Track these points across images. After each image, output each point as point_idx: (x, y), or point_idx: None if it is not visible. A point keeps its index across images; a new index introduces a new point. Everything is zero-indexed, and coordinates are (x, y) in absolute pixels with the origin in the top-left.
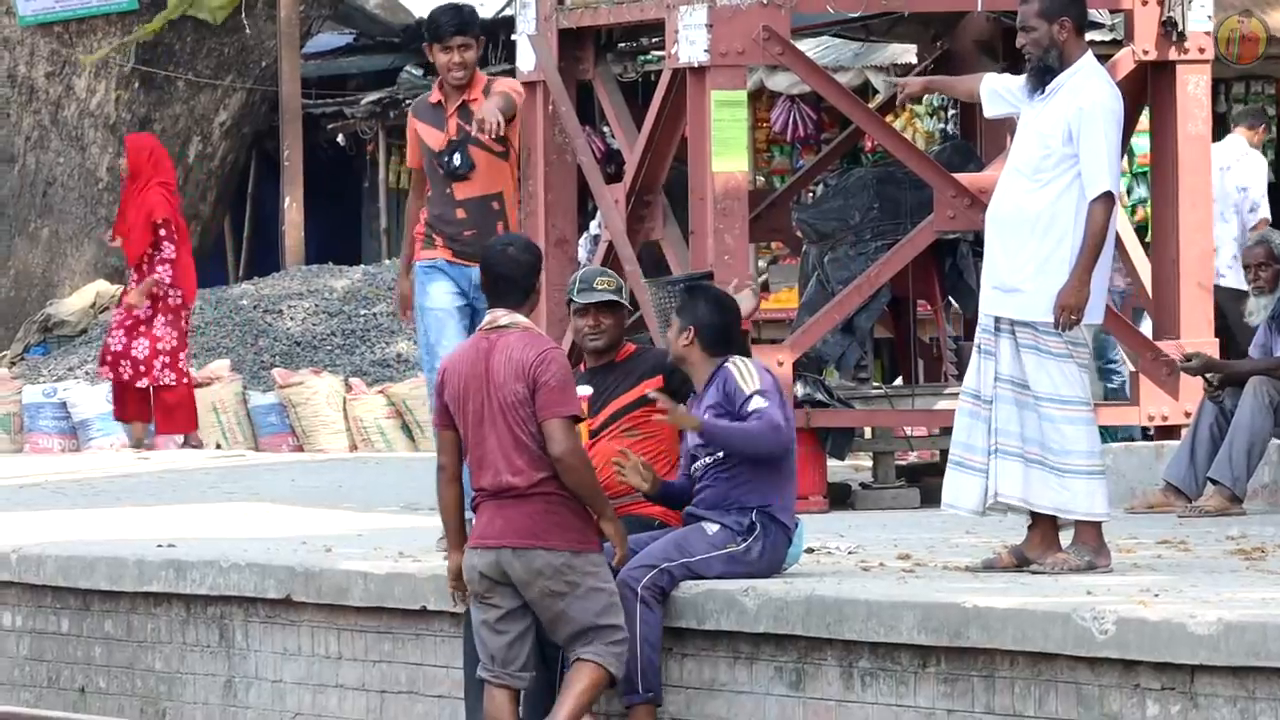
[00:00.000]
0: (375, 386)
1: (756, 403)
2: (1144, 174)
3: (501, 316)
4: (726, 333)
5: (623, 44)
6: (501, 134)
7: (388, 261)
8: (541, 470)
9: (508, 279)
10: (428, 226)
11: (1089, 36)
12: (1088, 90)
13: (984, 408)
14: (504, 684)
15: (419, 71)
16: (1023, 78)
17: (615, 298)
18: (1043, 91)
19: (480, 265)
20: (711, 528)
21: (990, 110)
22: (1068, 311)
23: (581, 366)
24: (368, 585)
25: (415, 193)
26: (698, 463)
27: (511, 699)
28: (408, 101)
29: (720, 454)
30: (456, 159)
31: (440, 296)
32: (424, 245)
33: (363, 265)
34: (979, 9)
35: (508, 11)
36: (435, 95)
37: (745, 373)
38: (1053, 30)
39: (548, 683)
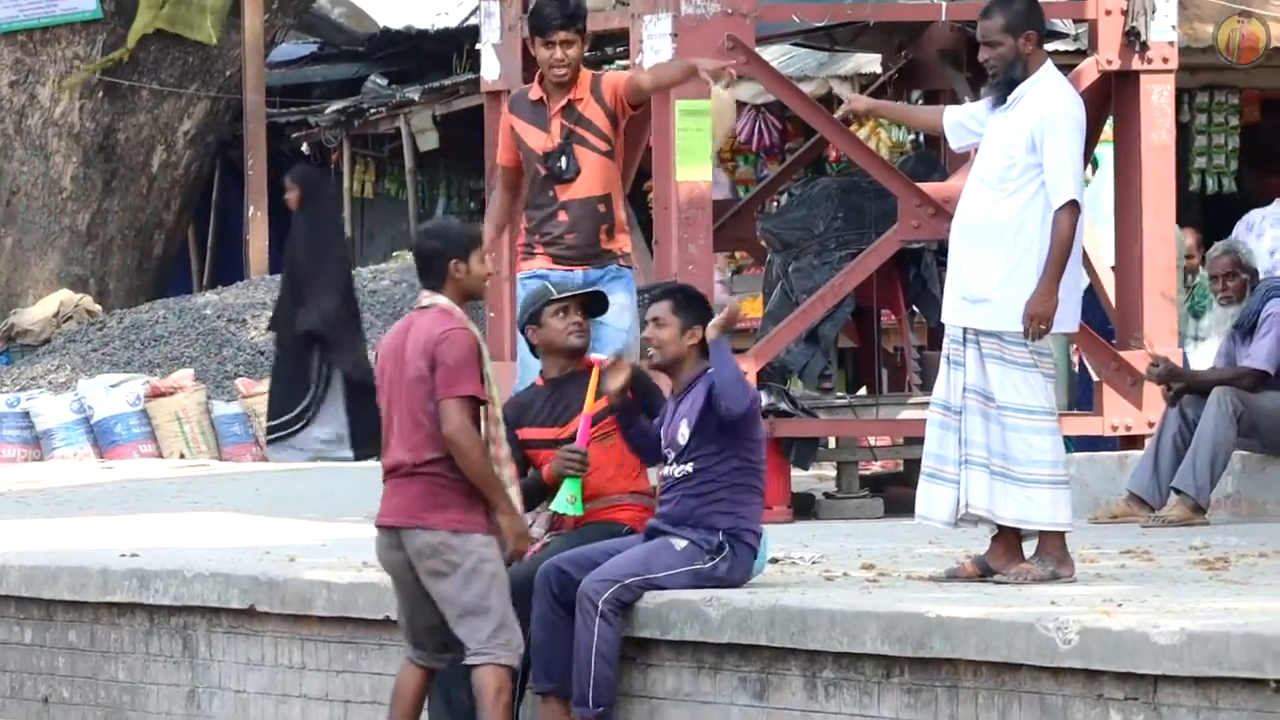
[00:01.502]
0: None
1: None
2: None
3: (424, 297)
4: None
5: (588, 53)
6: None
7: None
8: (433, 450)
9: (424, 259)
10: (527, 234)
11: (1053, 46)
12: (1049, 99)
13: (954, 418)
14: (419, 664)
15: (383, 81)
16: (983, 102)
17: (598, 291)
18: (1005, 102)
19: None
20: (679, 543)
21: (956, 143)
22: (1036, 320)
23: (539, 381)
24: (331, 595)
25: (505, 188)
26: (668, 468)
27: (421, 677)
28: (373, 111)
29: (690, 469)
30: (563, 162)
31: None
32: (523, 256)
33: None
34: (943, 19)
35: (472, 20)
36: (536, 91)
37: None
38: (1018, 44)
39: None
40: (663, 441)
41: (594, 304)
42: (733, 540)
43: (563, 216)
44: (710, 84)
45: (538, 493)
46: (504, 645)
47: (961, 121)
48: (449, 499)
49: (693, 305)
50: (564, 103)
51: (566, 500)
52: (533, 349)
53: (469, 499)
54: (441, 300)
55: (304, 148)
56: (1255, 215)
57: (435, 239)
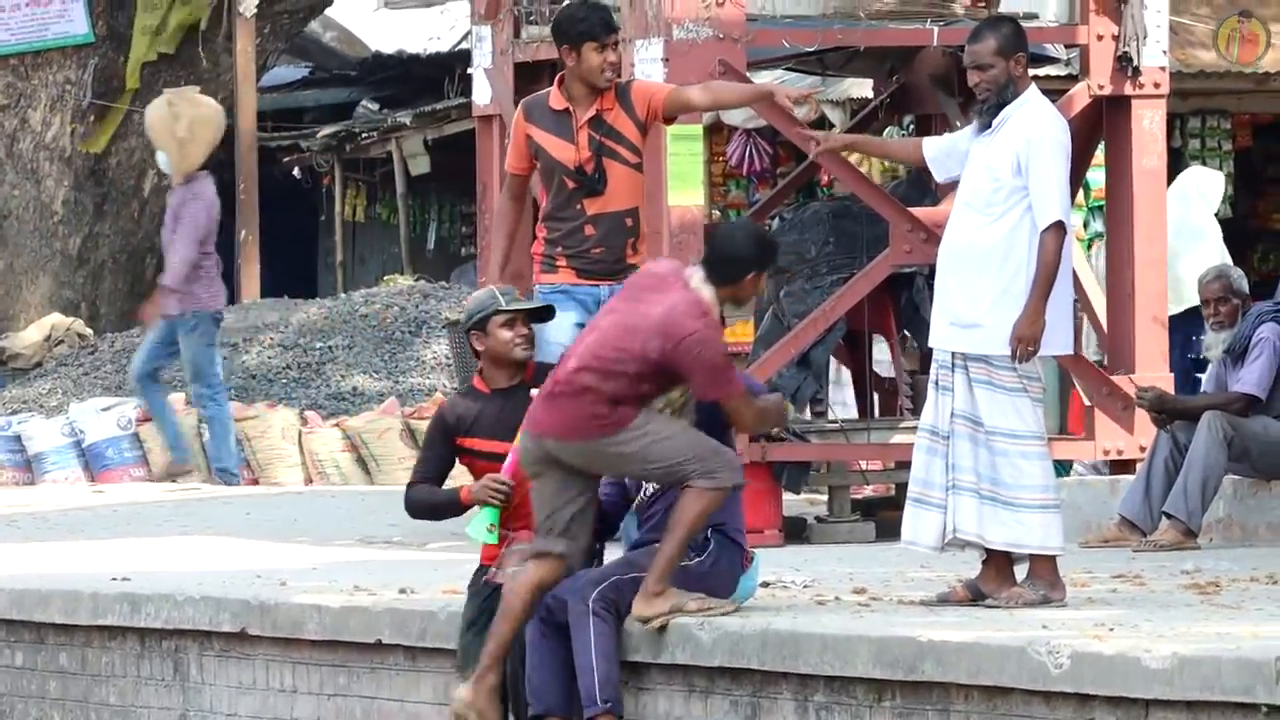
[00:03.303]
0: (331, 420)
1: None
2: (1101, 208)
3: (697, 276)
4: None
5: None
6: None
7: (343, 295)
8: (593, 404)
9: (723, 257)
10: (548, 245)
11: (1045, 71)
12: (1034, 122)
13: (941, 443)
14: (545, 550)
15: (375, 105)
16: (963, 131)
17: (545, 305)
18: (991, 126)
19: (709, 234)
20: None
21: (941, 174)
22: (1024, 343)
23: (479, 383)
24: (323, 619)
25: (512, 196)
26: (643, 489)
27: (542, 574)
28: (364, 135)
29: None
30: (595, 175)
31: (560, 329)
32: (543, 269)
33: (318, 299)
34: (934, 43)
35: (464, 45)
36: (558, 101)
37: None
38: (1009, 66)
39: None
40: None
41: (540, 313)
42: (720, 538)
43: (590, 230)
44: (795, 112)
45: (454, 509)
46: (714, 471)
47: (944, 152)
48: (591, 410)
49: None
50: (593, 113)
51: (486, 529)
52: (475, 354)
53: (611, 410)
54: (708, 293)
55: (296, 172)
56: None
57: (748, 244)
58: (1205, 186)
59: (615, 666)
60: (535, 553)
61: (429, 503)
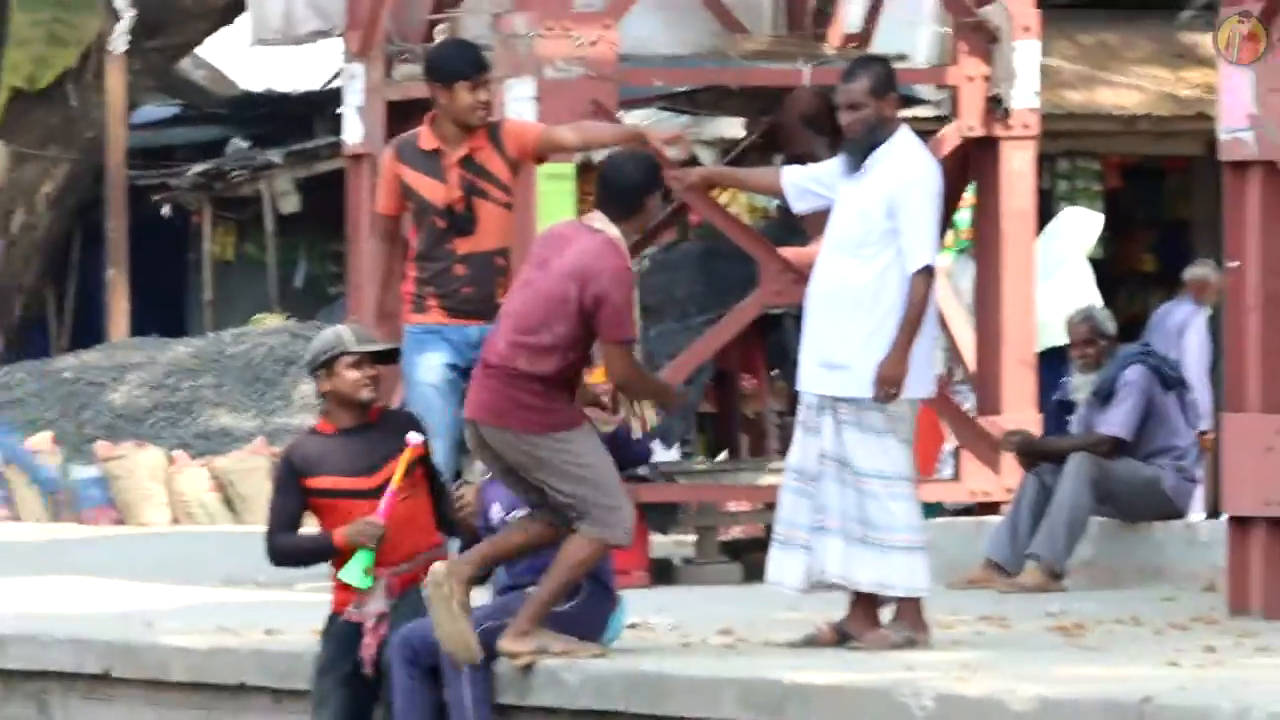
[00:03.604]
0: (199, 459)
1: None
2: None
3: (598, 219)
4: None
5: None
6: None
7: (212, 334)
8: (533, 363)
9: (619, 186)
10: (418, 285)
11: (915, 112)
12: (907, 164)
13: (808, 484)
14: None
15: (245, 143)
16: (828, 163)
17: (392, 347)
18: (861, 168)
19: (600, 169)
20: (535, 591)
21: (800, 205)
22: (886, 384)
23: (323, 425)
24: (188, 660)
25: (384, 239)
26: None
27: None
28: (234, 173)
29: None
30: (465, 215)
31: (430, 370)
32: (413, 309)
33: (187, 337)
34: (806, 83)
35: (335, 83)
36: (429, 140)
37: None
38: (881, 106)
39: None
40: (501, 510)
41: (387, 355)
42: (589, 582)
43: (461, 270)
44: (666, 152)
45: (326, 554)
46: (607, 525)
47: (805, 185)
48: (524, 400)
49: None
50: (464, 152)
51: (362, 572)
52: (320, 395)
53: (546, 400)
54: (613, 231)
55: (165, 210)
56: None
57: (637, 170)
58: (1081, 228)
59: (488, 712)
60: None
61: (298, 550)
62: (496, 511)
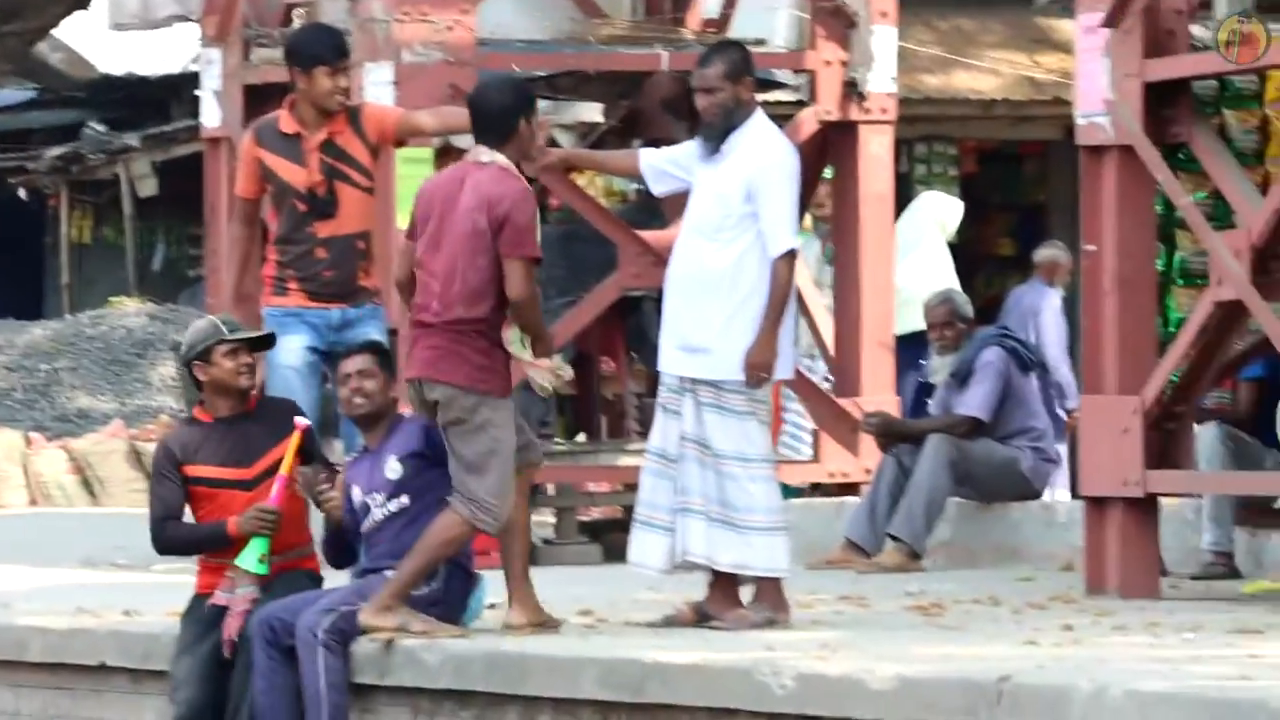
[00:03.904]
0: (56, 441)
1: None
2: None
3: (483, 153)
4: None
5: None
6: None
7: (70, 316)
8: (466, 307)
9: (489, 113)
10: (279, 268)
11: (773, 96)
12: (764, 149)
13: (669, 466)
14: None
15: (102, 127)
16: (685, 146)
17: (268, 333)
18: (719, 151)
19: (467, 101)
20: (393, 574)
21: (659, 188)
22: (757, 369)
23: (200, 413)
24: (46, 641)
25: (243, 221)
26: (370, 516)
27: (523, 484)
28: (92, 156)
29: (405, 501)
30: (326, 198)
31: (290, 352)
32: (274, 292)
33: (44, 320)
34: (664, 68)
35: (193, 67)
36: (289, 124)
37: None
38: (737, 91)
39: (213, 698)
40: (361, 493)
41: (263, 341)
42: (449, 565)
43: (321, 253)
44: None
45: (219, 543)
46: (485, 511)
47: (663, 168)
48: (476, 358)
49: (389, 357)
50: (324, 136)
51: (258, 559)
52: (197, 385)
53: (489, 359)
54: (500, 158)
55: (22, 193)
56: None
57: (503, 93)
58: (941, 212)
59: (344, 697)
60: None
61: (191, 539)
62: (357, 494)
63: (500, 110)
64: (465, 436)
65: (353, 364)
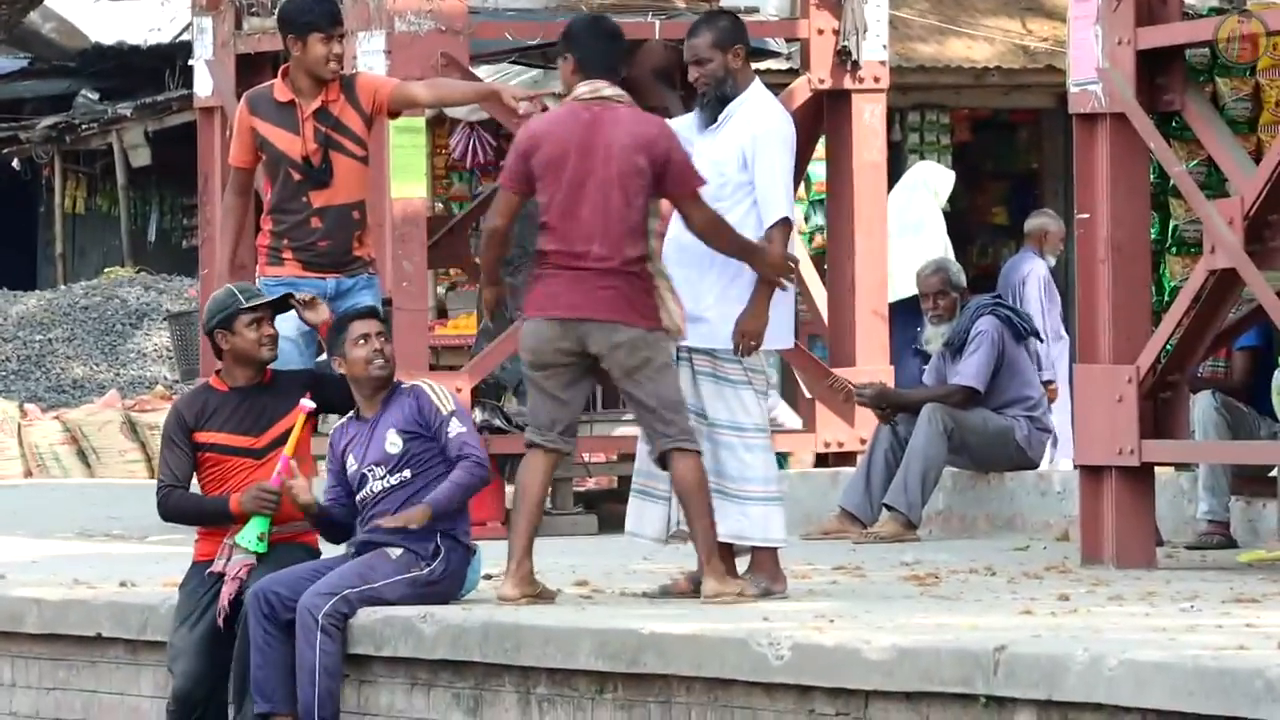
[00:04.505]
0: (51, 412)
1: (455, 426)
2: (821, 201)
3: (604, 88)
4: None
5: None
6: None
7: (63, 286)
8: (634, 246)
9: (606, 51)
10: (273, 238)
11: (766, 65)
12: (760, 117)
13: None
14: (553, 447)
15: (95, 96)
16: (685, 118)
17: (283, 295)
18: (715, 121)
19: (578, 35)
20: (395, 552)
21: None
22: (748, 338)
23: (216, 382)
24: (42, 612)
25: (237, 191)
26: (367, 488)
27: (550, 462)
28: (85, 126)
29: (407, 475)
30: (321, 167)
31: (286, 322)
32: (269, 261)
33: (38, 290)
34: (656, 37)
35: (185, 36)
36: (283, 93)
37: (439, 393)
38: (727, 60)
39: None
40: (356, 463)
41: (279, 306)
42: (450, 543)
43: (316, 223)
44: (518, 111)
45: (221, 519)
46: (695, 439)
47: None
48: (646, 299)
49: (389, 326)
50: (318, 105)
51: (256, 538)
52: (218, 353)
53: (651, 298)
54: (624, 94)
55: (14, 163)
56: None
57: (613, 29)
58: (935, 181)
59: (337, 683)
60: (536, 444)
61: (194, 510)
62: (352, 464)
63: (616, 45)
64: (657, 375)
65: (369, 325)
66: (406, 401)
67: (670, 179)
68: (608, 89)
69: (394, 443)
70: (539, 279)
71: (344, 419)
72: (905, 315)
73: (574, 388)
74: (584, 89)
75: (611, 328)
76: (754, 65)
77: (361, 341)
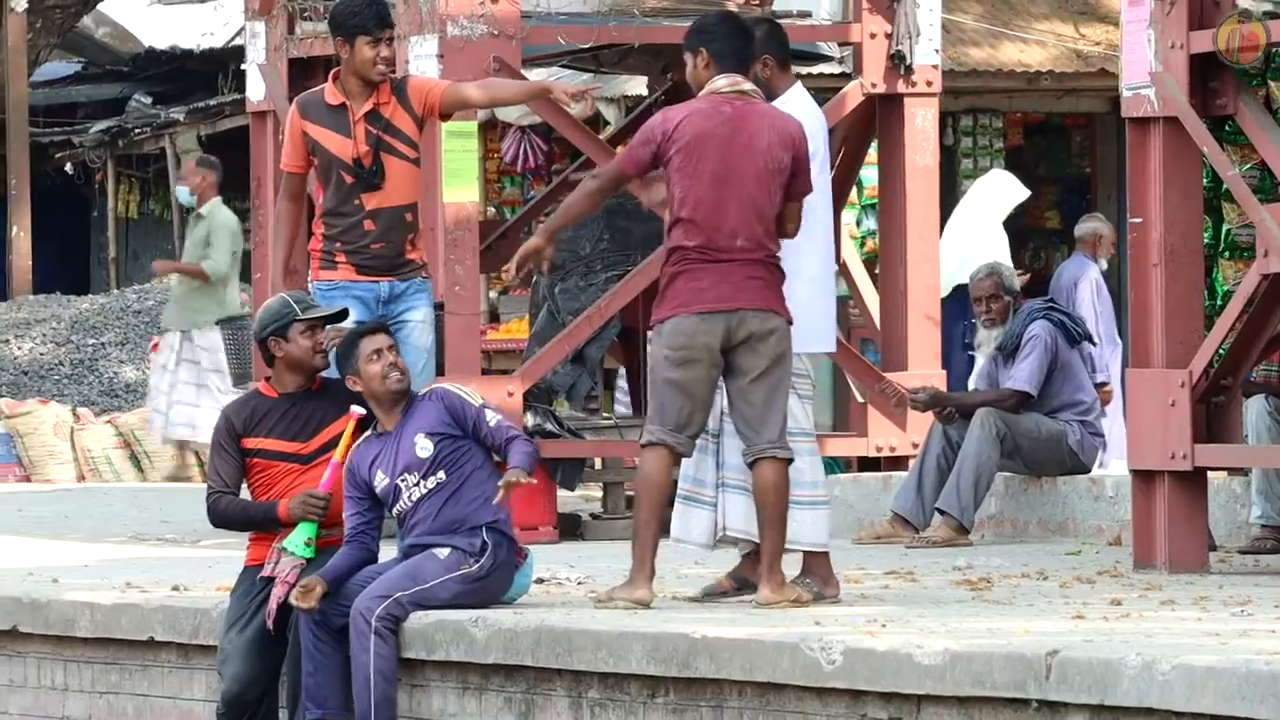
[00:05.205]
0: (103, 416)
1: (491, 415)
2: (873, 205)
3: (742, 82)
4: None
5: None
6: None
7: (116, 291)
8: (771, 241)
9: (745, 47)
10: (326, 241)
11: (819, 69)
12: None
13: (712, 441)
14: (682, 450)
15: (148, 100)
16: None
17: (340, 309)
18: None
19: (712, 30)
20: (442, 552)
21: None
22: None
23: (265, 388)
24: (94, 616)
25: (290, 196)
26: (402, 499)
27: (671, 463)
28: (138, 131)
29: (442, 477)
30: (373, 169)
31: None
32: (322, 265)
33: (91, 294)
34: None
35: (238, 41)
36: (334, 96)
37: (463, 390)
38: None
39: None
40: (387, 477)
41: (337, 318)
42: (495, 536)
43: (370, 225)
44: (570, 108)
45: (269, 525)
46: (787, 443)
47: None
48: (780, 291)
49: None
50: (369, 108)
51: (304, 543)
52: (269, 359)
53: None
54: (760, 91)
55: (68, 168)
56: None
57: (746, 26)
58: (1006, 192)
59: (392, 687)
60: (656, 443)
61: (242, 516)
62: (382, 479)
63: (750, 41)
64: (785, 375)
65: (380, 340)
66: (431, 406)
67: (798, 179)
68: (746, 84)
69: (424, 446)
70: (677, 275)
71: (360, 440)
72: (955, 304)
73: (712, 387)
74: (723, 81)
75: (766, 315)
76: (807, 70)
77: (375, 357)
